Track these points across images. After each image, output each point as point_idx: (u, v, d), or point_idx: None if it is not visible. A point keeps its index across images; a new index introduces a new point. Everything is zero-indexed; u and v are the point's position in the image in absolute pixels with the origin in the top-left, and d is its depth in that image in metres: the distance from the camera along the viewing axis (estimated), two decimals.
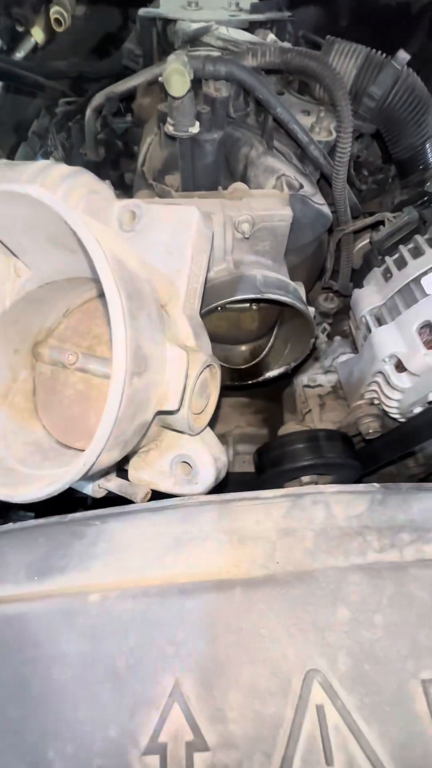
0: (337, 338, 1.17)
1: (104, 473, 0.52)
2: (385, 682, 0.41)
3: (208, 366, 0.48)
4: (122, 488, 0.50)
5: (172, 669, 0.42)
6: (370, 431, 0.96)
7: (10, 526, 0.59)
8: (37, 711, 0.43)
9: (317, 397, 1.14)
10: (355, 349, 1.11)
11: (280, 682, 0.41)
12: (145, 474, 0.56)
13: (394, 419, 0.99)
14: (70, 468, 0.37)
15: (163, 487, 0.55)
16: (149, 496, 0.52)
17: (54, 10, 1.52)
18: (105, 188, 0.56)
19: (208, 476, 0.52)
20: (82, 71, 1.82)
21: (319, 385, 1.15)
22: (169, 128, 0.78)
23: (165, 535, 0.53)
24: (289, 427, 1.13)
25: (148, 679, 0.42)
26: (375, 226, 1.00)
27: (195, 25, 1.04)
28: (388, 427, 1.00)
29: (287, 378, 1.21)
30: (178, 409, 0.44)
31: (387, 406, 0.94)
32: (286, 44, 1.01)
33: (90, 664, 0.44)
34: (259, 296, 0.75)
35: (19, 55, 1.65)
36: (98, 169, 1.43)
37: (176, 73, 0.65)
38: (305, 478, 0.96)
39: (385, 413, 0.98)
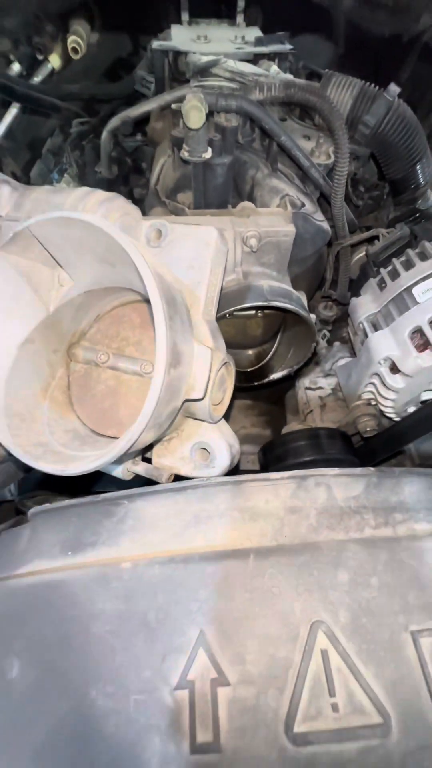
0: (336, 344, 1.25)
1: (134, 456, 0.60)
2: (380, 632, 0.48)
3: (225, 363, 0.55)
4: (148, 471, 0.58)
5: (197, 621, 0.49)
6: (368, 429, 1.04)
7: (47, 506, 0.66)
8: (78, 659, 0.50)
9: (318, 399, 1.21)
10: (353, 354, 1.19)
11: (290, 631, 0.47)
12: (167, 460, 0.63)
13: (390, 418, 1.07)
14: (114, 444, 0.45)
15: (183, 471, 0.62)
16: (172, 478, 0.59)
17: (71, 39, 1.64)
18: (134, 210, 0.64)
19: (224, 461, 0.59)
20: (94, 94, 1.93)
21: (320, 388, 1.23)
22: (185, 154, 0.87)
23: (185, 513, 0.60)
24: (292, 426, 1.20)
25: (176, 630, 0.49)
26: (370, 240, 1.09)
27: (205, 58, 1.15)
28: (384, 426, 1.08)
29: (290, 380, 1.29)
30: (203, 398, 0.51)
31: (383, 405, 1.01)
32: (289, 76, 1.11)
33: (124, 619, 0.51)
34: (265, 303, 0.83)
35: (37, 79, 1.76)
36: (111, 186, 1.53)
37: (194, 109, 0.74)
38: None
39: (382, 413, 1.06)
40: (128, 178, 1.73)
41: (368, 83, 1.01)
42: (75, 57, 1.68)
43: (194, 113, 0.74)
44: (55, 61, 1.70)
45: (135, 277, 0.53)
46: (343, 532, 0.58)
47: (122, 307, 0.68)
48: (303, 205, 0.95)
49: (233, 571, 0.52)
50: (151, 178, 1.28)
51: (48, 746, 0.46)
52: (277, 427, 1.36)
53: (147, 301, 0.66)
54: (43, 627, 0.54)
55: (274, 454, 1.08)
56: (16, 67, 1.69)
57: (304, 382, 1.25)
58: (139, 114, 1.30)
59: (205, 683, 0.45)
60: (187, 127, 0.78)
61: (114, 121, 1.34)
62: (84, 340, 0.68)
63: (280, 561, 0.53)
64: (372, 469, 0.63)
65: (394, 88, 0.97)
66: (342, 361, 1.18)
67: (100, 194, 0.61)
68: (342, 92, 1.00)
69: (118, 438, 0.62)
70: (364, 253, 1.15)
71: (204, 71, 1.16)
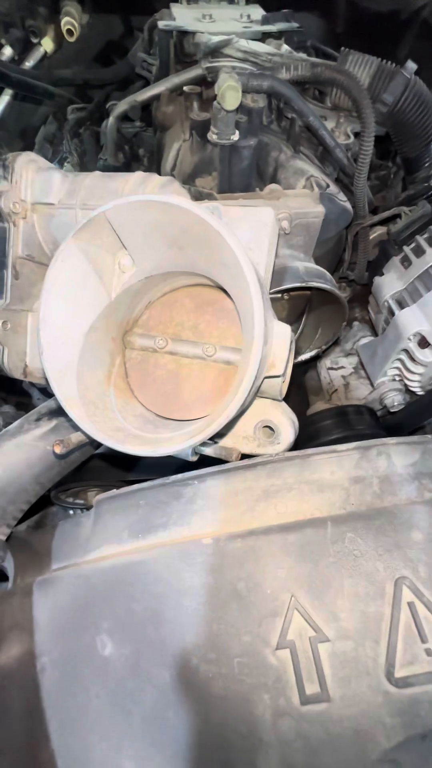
0: (356, 323, 1.28)
1: None
2: None
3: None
4: (217, 451, 0.59)
5: (287, 587, 0.51)
6: (395, 404, 1.07)
7: (112, 492, 0.68)
8: (173, 631, 0.52)
9: (341, 378, 1.24)
10: (373, 333, 1.22)
11: (377, 588, 0.50)
12: (230, 439, 0.65)
13: (414, 393, 1.11)
14: (207, 424, 0.46)
15: (247, 449, 0.64)
16: (240, 456, 0.61)
17: (65, 21, 1.58)
18: (186, 194, 0.64)
19: (289, 437, 0.61)
20: (87, 79, 1.88)
21: (342, 367, 1.26)
22: (213, 136, 0.87)
23: (254, 489, 0.62)
24: (318, 406, 1.23)
25: (267, 596, 0.51)
26: (390, 219, 1.11)
27: (215, 38, 1.13)
28: (408, 400, 1.11)
29: (306, 364, 1.31)
30: (282, 375, 0.53)
31: (410, 380, 1.05)
32: (303, 55, 1.11)
33: (214, 591, 0.53)
34: (303, 284, 0.84)
35: (29, 64, 1.70)
36: None
37: (231, 90, 0.73)
38: None
39: (407, 388, 1.09)
40: (130, 165, 1.70)
41: (385, 60, 1.01)
42: (70, 39, 1.62)
43: (231, 94, 0.74)
44: (48, 44, 1.64)
45: (202, 259, 0.54)
46: (405, 497, 0.61)
47: (173, 292, 0.68)
48: (328, 185, 0.96)
49: (313, 538, 0.55)
50: (164, 164, 1.26)
51: (156, 714, 0.49)
52: (299, 411, 1.38)
53: (203, 284, 0.67)
54: (131, 605, 0.56)
55: (304, 434, 1.10)
56: (7, 52, 1.63)
57: (326, 362, 1.28)
58: (148, 98, 1.28)
59: (305, 641, 0.48)
60: (223, 108, 0.77)
61: (121, 106, 1.31)
62: (137, 326, 0.69)
63: (357, 526, 0.55)
64: (429, 436, 0.66)
65: (411, 65, 0.98)
66: (364, 340, 1.21)
67: (158, 178, 0.61)
68: (360, 70, 1.00)
69: (184, 420, 0.64)
70: (378, 233, 1.17)
71: (215, 52, 1.14)
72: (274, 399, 0.61)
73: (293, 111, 0.88)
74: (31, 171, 0.64)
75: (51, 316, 0.53)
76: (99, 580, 0.60)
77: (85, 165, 1.79)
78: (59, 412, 0.73)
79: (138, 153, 1.75)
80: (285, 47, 1.17)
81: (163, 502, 0.65)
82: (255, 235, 0.59)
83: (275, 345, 0.52)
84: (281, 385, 0.56)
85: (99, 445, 0.73)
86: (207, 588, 0.53)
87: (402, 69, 0.99)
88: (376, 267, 1.14)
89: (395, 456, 0.65)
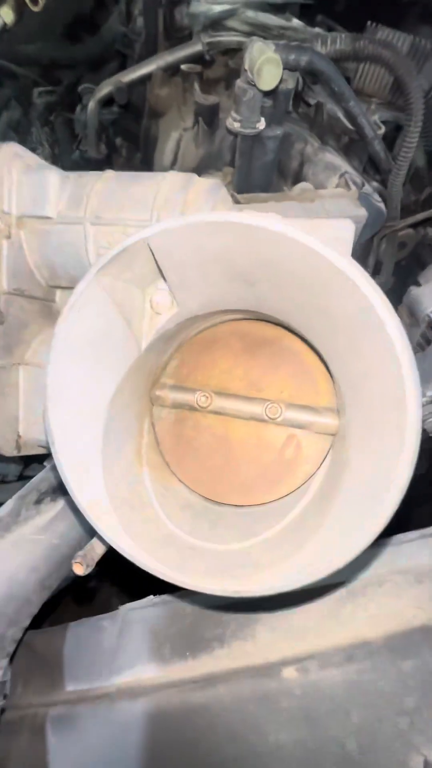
0: None
1: None
2: None
3: None
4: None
5: (415, 744, 0.38)
6: None
7: (150, 600, 0.52)
8: None
9: None
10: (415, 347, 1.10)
11: None
12: None
13: None
14: (360, 539, 0.30)
15: None
16: None
17: None
18: (230, 200, 0.48)
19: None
20: (55, 57, 1.65)
21: None
22: (234, 125, 0.70)
23: (333, 585, 0.48)
24: None
25: (390, 760, 0.38)
26: (424, 222, 0.99)
27: (218, 8, 0.96)
28: None
29: None
30: None
31: None
32: (317, 29, 0.95)
33: (314, 754, 0.39)
34: None
35: None
36: (99, 168, 1.31)
37: (270, 63, 0.57)
38: None
39: None
40: (111, 158, 1.50)
41: (419, 38, 0.88)
42: (34, 8, 1.38)
43: (270, 69, 0.57)
44: (7, 15, 1.39)
45: (281, 299, 0.38)
46: None
47: (212, 329, 0.52)
48: (363, 184, 0.82)
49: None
50: (159, 157, 1.08)
51: None
52: None
53: (250, 318, 0.51)
54: None
55: None
56: None
57: None
58: (136, 78, 1.09)
59: None
60: (256, 87, 0.61)
61: (104, 88, 1.12)
62: (166, 375, 0.52)
63: None
64: None
65: None
66: None
67: (202, 182, 0.44)
68: None
69: (243, 507, 0.48)
70: (401, 233, 1.05)
71: (216, 23, 0.97)
72: None
73: (333, 93, 0.73)
74: (16, 170, 0.45)
75: (63, 388, 0.36)
76: (144, 731, 0.44)
77: (57, 157, 1.57)
78: (65, 488, 0.56)
79: (115, 143, 1.55)
80: (296, 21, 1.01)
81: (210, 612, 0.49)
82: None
83: None
84: None
85: None
86: (302, 747, 0.39)
87: None
88: (405, 273, 1.02)
89: None
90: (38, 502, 0.54)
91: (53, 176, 0.46)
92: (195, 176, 0.45)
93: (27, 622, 0.52)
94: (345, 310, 0.31)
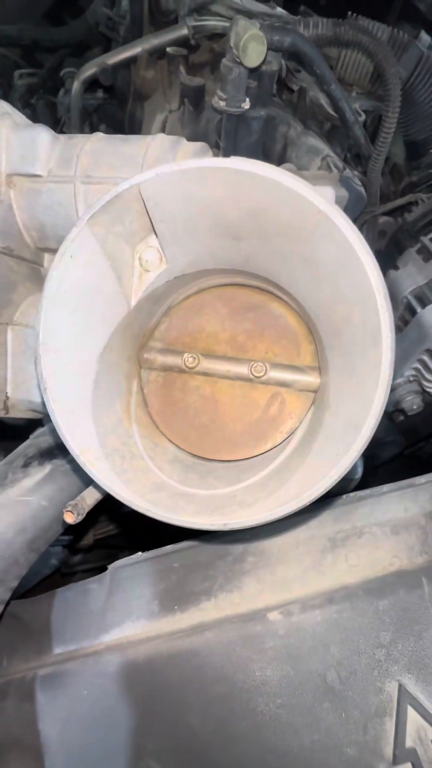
0: None
1: None
2: None
3: None
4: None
5: (391, 672, 0.40)
6: (414, 408, 1.00)
7: (138, 556, 0.53)
8: (250, 749, 0.40)
9: None
10: None
11: None
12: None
13: (430, 395, 1.05)
14: (326, 474, 0.32)
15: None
16: None
17: None
18: None
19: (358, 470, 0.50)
20: (36, 39, 1.63)
21: None
22: (220, 103, 0.72)
23: (318, 537, 0.51)
24: None
25: (368, 688, 0.40)
26: (402, 208, 1.03)
27: None
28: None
29: None
30: None
31: (428, 381, 0.98)
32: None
33: (298, 687, 0.41)
34: None
35: None
36: None
37: (255, 41, 0.59)
38: None
39: (423, 390, 1.03)
40: None
41: (397, 30, 0.91)
42: None
43: (254, 46, 0.59)
44: None
45: (267, 254, 0.40)
46: None
47: (199, 294, 0.54)
48: (345, 167, 0.85)
49: (410, 601, 0.44)
50: None
51: None
52: None
53: (237, 284, 0.53)
54: (186, 717, 0.42)
55: None
56: None
57: None
58: (121, 60, 1.09)
59: (429, 747, 0.37)
60: (241, 64, 0.63)
61: (88, 69, 1.11)
62: (154, 339, 0.54)
63: None
64: None
65: (426, 37, 0.89)
66: None
67: (190, 145, 0.45)
68: None
69: (231, 461, 0.50)
70: (380, 221, 1.09)
71: (201, 8, 0.98)
72: None
73: (315, 76, 0.75)
74: (5, 128, 0.45)
75: (55, 336, 0.37)
76: (133, 679, 0.46)
77: None
78: (52, 452, 0.56)
79: (99, 129, 1.54)
80: (279, 9, 1.03)
81: (204, 564, 0.51)
82: None
83: None
84: None
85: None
86: (287, 683, 0.41)
87: (416, 40, 0.90)
88: (388, 259, 1.06)
89: None
90: (25, 465, 0.54)
91: (44, 134, 0.47)
92: (183, 139, 0.46)
93: (14, 583, 0.52)
94: (328, 255, 0.33)
